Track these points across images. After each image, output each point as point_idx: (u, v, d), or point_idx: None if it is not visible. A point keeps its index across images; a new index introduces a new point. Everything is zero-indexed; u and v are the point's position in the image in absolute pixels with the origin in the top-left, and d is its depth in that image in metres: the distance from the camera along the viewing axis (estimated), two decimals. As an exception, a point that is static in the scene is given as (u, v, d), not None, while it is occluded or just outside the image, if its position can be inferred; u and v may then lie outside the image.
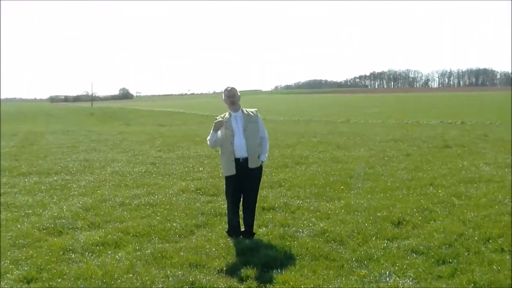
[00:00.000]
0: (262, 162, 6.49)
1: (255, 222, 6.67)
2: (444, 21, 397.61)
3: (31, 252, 5.93)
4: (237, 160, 6.23)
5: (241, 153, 6.22)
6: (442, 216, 7.18)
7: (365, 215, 7.31)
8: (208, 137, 6.35)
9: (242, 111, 6.40)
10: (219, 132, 6.25)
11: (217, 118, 6.34)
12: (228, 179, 6.39)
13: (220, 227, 6.86)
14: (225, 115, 6.40)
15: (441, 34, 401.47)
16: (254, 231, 6.50)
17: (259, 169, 6.43)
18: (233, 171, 6.25)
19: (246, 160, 6.23)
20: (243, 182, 6.32)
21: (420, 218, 7.05)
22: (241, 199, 6.49)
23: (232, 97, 6.34)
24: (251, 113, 6.43)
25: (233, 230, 6.42)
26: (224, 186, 6.65)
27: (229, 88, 6.38)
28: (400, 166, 12.00)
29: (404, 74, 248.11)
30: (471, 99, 70.26)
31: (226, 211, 6.72)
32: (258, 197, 6.75)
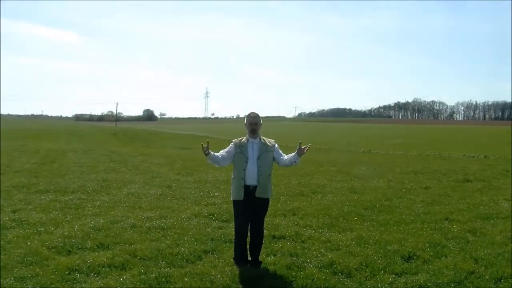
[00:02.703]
0: (296, 163, 6.34)
1: (263, 250, 6.61)
2: (471, 53, 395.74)
3: (37, 270, 5.97)
4: (246, 187, 6.19)
5: (251, 180, 6.19)
6: (454, 252, 7.02)
7: (375, 248, 7.18)
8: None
9: (260, 139, 6.39)
10: (213, 155, 6.22)
11: (233, 141, 6.34)
12: (236, 203, 6.35)
13: (229, 254, 6.79)
14: (242, 139, 6.40)
15: (467, 66, 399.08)
16: (260, 260, 6.43)
17: (266, 201, 6.38)
18: (241, 197, 6.20)
19: (255, 188, 6.19)
20: (250, 210, 6.27)
21: (431, 253, 6.89)
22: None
23: (254, 125, 6.34)
24: (268, 143, 6.39)
25: (239, 258, 6.36)
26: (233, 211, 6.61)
27: (253, 115, 6.38)
28: (418, 199, 11.81)
29: (429, 106, 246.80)
30: (496, 133, 69.18)
31: (234, 238, 6.68)
32: (269, 225, 6.67)
